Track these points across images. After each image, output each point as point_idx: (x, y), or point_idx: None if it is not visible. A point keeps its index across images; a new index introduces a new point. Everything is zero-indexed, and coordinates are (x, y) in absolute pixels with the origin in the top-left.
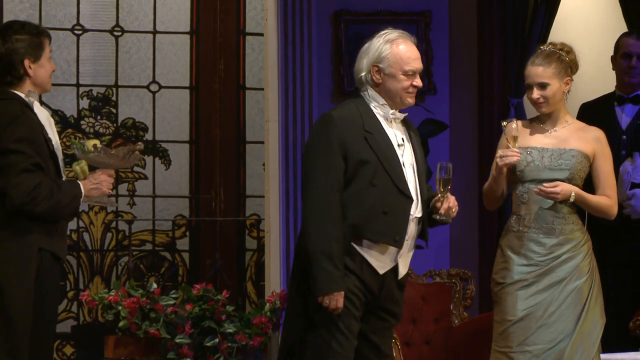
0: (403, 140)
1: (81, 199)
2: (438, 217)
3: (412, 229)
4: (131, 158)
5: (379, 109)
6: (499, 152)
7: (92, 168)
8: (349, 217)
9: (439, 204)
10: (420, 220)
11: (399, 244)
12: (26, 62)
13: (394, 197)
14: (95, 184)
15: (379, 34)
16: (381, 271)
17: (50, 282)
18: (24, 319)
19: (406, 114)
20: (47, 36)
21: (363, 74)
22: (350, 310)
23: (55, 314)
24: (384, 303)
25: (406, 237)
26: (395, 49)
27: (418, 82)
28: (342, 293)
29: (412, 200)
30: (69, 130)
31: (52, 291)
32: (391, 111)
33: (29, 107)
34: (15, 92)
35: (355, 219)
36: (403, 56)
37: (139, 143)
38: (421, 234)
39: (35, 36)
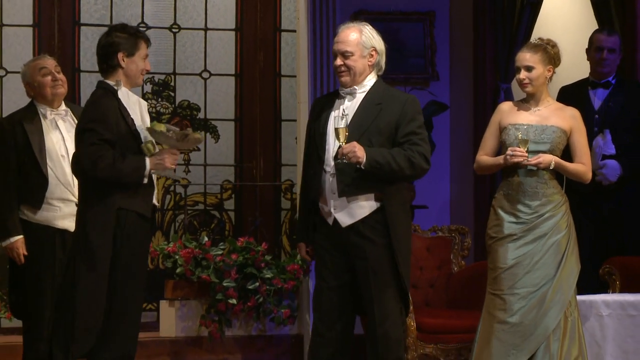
0: (345, 111)
1: (145, 172)
2: (337, 160)
3: (326, 184)
4: (186, 141)
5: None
6: (509, 151)
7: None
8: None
9: (338, 150)
10: (334, 175)
11: (319, 198)
12: (120, 55)
13: (316, 161)
14: (159, 160)
15: None
16: (330, 222)
17: (135, 234)
18: (103, 264)
19: (357, 89)
20: (144, 39)
21: None
22: (320, 260)
23: (143, 261)
24: (348, 249)
25: (325, 193)
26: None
27: (337, 62)
28: (301, 244)
29: (323, 161)
30: None
31: (137, 241)
32: (342, 89)
33: (113, 93)
34: (105, 80)
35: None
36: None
37: (189, 128)
38: (338, 187)
39: (132, 36)
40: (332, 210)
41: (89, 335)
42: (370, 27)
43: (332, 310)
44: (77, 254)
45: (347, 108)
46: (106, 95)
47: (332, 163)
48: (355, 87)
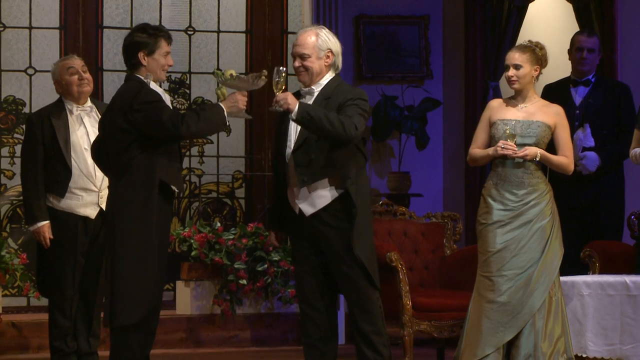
0: None
1: (225, 114)
2: (272, 107)
3: (288, 175)
4: (259, 82)
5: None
6: (500, 143)
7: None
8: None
9: (274, 99)
10: (294, 167)
11: (286, 189)
12: (141, 54)
13: (279, 155)
14: (233, 103)
15: None
16: (296, 211)
17: (167, 209)
18: (152, 236)
19: (315, 88)
20: (164, 37)
21: None
22: (292, 247)
23: (168, 237)
24: (313, 237)
25: (288, 183)
26: None
27: (296, 63)
28: (272, 232)
29: (285, 156)
30: None
31: (167, 216)
32: (302, 89)
33: (145, 85)
34: (136, 74)
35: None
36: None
37: (264, 71)
38: (298, 178)
39: (151, 36)
40: (297, 200)
41: (140, 306)
42: (327, 30)
43: (313, 292)
44: (120, 234)
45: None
46: (142, 84)
47: (290, 155)
48: (312, 87)
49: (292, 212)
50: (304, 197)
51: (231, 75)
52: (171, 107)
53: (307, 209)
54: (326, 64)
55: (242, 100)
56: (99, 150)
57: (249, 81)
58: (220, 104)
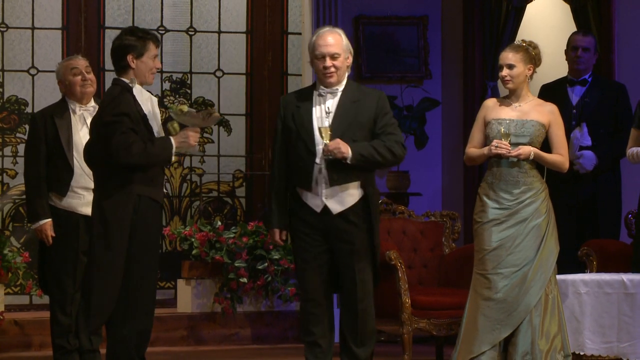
0: (329, 109)
1: (173, 150)
2: (323, 155)
3: (317, 175)
4: (210, 119)
5: (317, 87)
6: (494, 142)
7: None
8: (289, 171)
9: (324, 147)
10: (325, 167)
11: (309, 189)
12: (129, 57)
13: (304, 154)
14: (184, 139)
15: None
16: (317, 210)
17: (150, 218)
18: (121, 247)
19: (338, 88)
20: (153, 40)
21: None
22: (300, 244)
23: (157, 242)
24: (333, 234)
25: (317, 183)
26: (314, 40)
27: (327, 63)
28: (275, 230)
29: (315, 154)
30: None
31: (152, 224)
32: (322, 88)
33: (128, 90)
34: (121, 78)
35: (291, 173)
36: (314, 44)
37: (214, 109)
38: (329, 177)
39: (140, 39)
40: (324, 198)
41: (103, 312)
42: None
43: (318, 289)
44: (95, 239)
45: (330, 106)
46: (123, 92)
47: (323, 156)
48: (337, 87)
49: (307, 210)
50: (331, 195)
51: (180, 110)
52: (152, 112)
53: (336, 207)
54: (348, 64)
55: (192, 136)
56: (89, 152)
57: (199, 117)
58: (171, 139)
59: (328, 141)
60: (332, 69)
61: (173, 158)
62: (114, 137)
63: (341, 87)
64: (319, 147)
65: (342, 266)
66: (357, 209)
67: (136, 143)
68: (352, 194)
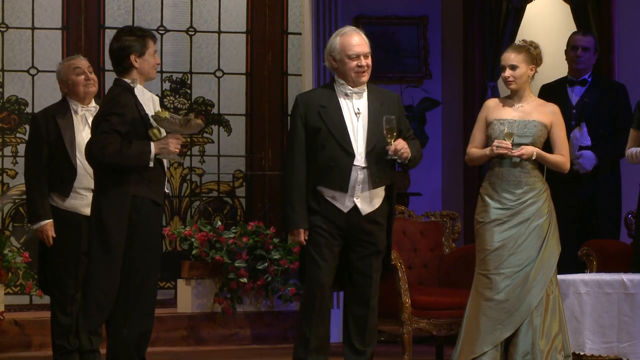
0: (359, 110)
1: (151, 156)
2: (388, 157)
3: (355, 176)
4: (188, 126)
5: (340, 88)
6: (495, 142)
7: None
8: (311, 171)
9: (388, 147)
10: (365, 169)
11: (344, 189)
12: (132, 57)
13: (338, 154)
14: (164, 145)
15: (336, 31)
16: (345, 210)
17: (149, 218)
18: (118, 247)
19: (364, 89)
20: (151, 37)
21: (325, 63)
22: (319, 241)
23: (157, 242)
24: (357, 234)
25: (352, 184)
26: (341, 40)
27: (362, 62)
28: (300, 230)
29: (353, 155)
30: None
31: (152, 224)
32: (349, 88)
33: (129, 90)
34: (122, 78)
35: (314, 172)
36: (345, 44)
37: (192, 115)
38: (371, 179)
39: (140, 37)
40: (355, 199)
41: (101, 312)
42: None
43: (329, 288)
44: (93, 239)
45: (360, 107)
46: (124, 92)
47: (363, 157)
48: (362, 87)
49: (332, 209)
50: (363, 196)
51: (159, 116)
52: (155, 110)
53: (366, 208)
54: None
55: (173, 143)
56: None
57: (177, 124)
58: (152, 144)
59: (392, 141)
60: (366, 68)
61: (151, 163)
62: (97, 135)
63: (364, 87)
64: (357, 149)
65: (360, 265)
66: (382, 211)
67: (112, 144)
68: (379, 195)
